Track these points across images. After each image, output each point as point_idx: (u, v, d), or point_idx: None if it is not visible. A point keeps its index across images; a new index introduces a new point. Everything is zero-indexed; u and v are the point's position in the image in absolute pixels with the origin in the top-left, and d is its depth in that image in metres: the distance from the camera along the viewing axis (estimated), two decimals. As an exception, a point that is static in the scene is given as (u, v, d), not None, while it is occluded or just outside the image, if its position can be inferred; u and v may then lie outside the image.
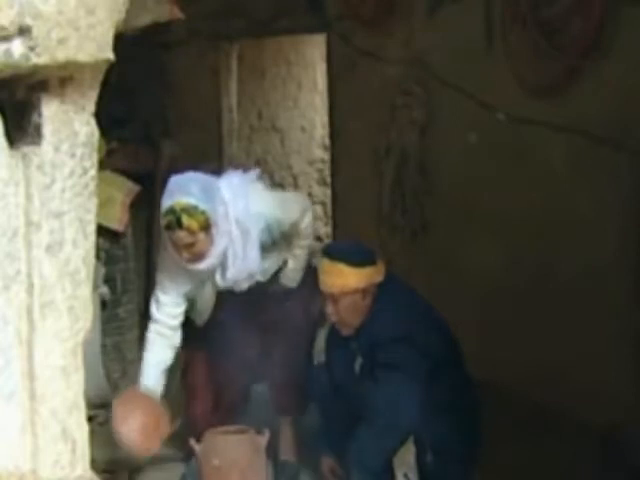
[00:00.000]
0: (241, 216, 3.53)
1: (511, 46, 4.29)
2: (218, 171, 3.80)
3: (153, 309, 3.65)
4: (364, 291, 3.42)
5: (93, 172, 1.62)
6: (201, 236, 3.42)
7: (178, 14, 3.32)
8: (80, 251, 1.61)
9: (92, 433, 1.67)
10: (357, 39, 5.36)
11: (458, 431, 3.38)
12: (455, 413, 3.38)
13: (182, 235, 3.40)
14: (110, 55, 1.54)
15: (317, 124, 7.19)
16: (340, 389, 3.59)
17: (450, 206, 4.83)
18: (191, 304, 3.73)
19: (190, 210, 3.38)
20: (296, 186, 7.28)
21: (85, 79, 1.56)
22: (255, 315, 3.79)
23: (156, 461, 3.88)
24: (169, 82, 6.29)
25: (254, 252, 3.58)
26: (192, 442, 3.52)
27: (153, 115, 6.08)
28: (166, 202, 3.39)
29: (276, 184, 7.34)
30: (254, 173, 3.74)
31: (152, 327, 3.65)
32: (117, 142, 5.29)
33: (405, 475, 3.43)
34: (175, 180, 3.49)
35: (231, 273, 3.59)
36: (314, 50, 6.96)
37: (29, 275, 1.54)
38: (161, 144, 6.10)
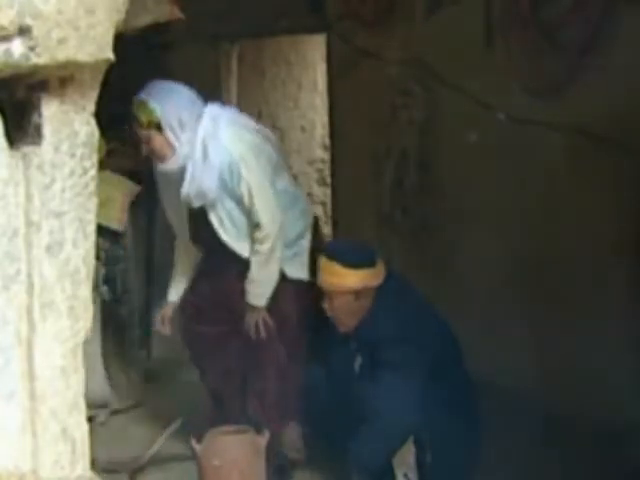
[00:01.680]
0: (208, 138, 3.65)
1: (511, 46, 4.29)
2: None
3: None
4: (358, 293, 3.42)
5: (93, 172, 1.62)
6: (153, 133, 3.64)
7: (178, 14, 3.32)
8: (80, 251, 1.61)
9: (92, 433, 1.67)
10: (357, 39, 5.36)
11: (458, 431, 3.38)
12: (455, 413, 3.38)
13: (138, 130, 3.68)
14: (110, 55, 1.54)
15: (317, 124, 7.19)
16: (339, 388, 3.59)
17: (450, 206, 4.83)
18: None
19: (141, 106, 3.66)
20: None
21: (85, 79, 1.56)
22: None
23: (157, 461, 3.88)
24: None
25: (211, 175, 3.64)
26: (192, 442, 3.52)
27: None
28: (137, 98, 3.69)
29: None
30: (258, 125, 3.94)
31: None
32: (117, 142, 5.28)
33: (405, 475, 3.43)
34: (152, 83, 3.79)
35: (185, 188, 3.68)
36: (314, 50, 6.96)
37: (29, 275, 1.54)
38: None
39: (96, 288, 4.31)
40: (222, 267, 3.79)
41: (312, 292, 3.63)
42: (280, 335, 3.76)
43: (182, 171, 3.66)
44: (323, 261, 3.50)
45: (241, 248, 3.70)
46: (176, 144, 3.63)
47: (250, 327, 3.72)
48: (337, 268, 3.42)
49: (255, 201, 3.61)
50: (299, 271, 3.79)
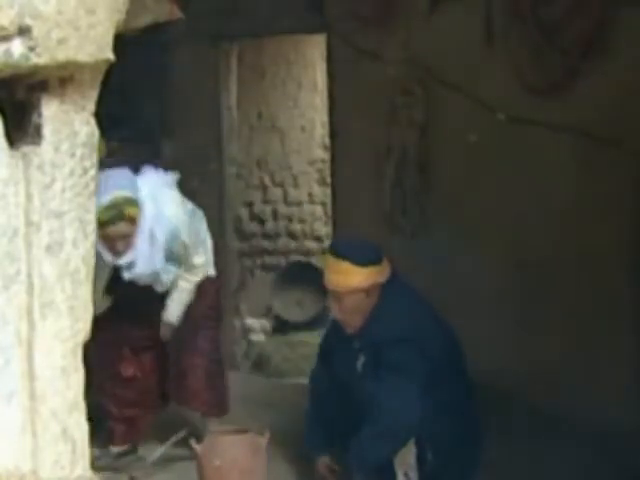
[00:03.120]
0: (151, 217, 3.70)
1: (511, 46, 4.29)
2: (137, 167, 3.94)
3: None
4: (368, 290, 3.40)
5: (93, 172, 1.62)
6: (134, 227, 3.65)
7: (178, 14, 3.32)
8: (80, 251, 1.61)
9: (92, 433, 1.67)
10: (357, 39, 5.36)
11: (459, 431, 3.38)
12: (456, 413, 3.38)
13: (123, 226, 3.61)
14: (110, 55, 1.54)
15: (317, 124, 7.19)
16: (342, 387, 3.58)
17: (450, 206, 4.83)
18: None
19: (130, 201, 3.62)
20: (296, 186, 7.29)
21: (85, 79, 1.56)
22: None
23: (157, 462, 3.88)
24: (169, 82, 6.29)
25: (159, 255, 3.75)
26: (193, 442, 3.52)
27: (153, 115, 6.08)
28: (103, 198, 3.51)
29: (276, 184, 7.35)
30: (172, 176, 3.92)
31: None
32: (117, 142, 5.28)
33: (405, 474, 3.43)
34: (104, 177, 3.66)
35: (139, 269, 3.73)
36: (314, 50, 6.96)
37: (29, 275, 1.54)
38: (161, 144, 6.10)
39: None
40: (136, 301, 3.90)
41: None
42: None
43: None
44: (331, 261, 3.45)
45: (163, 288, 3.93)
46: (139, 234, 3.68)
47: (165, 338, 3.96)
48: (346, 267, 3.38)
49: (191, 251, 3.87)
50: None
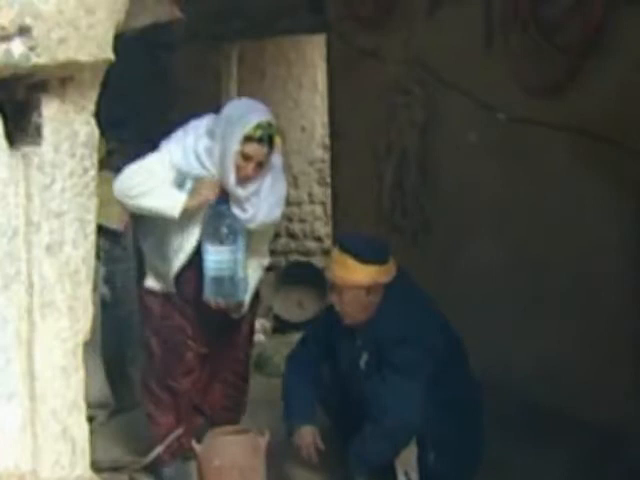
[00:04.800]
0: (278, 168, 3.66)
1: (511, 46, 4.28)
2: None
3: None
4: (369, 288, 3.40)
5: (93, 172, 1.62)
6: (270, 158, 3.54)
7: (178, 14, 3.32)
8: (80, 251, 1.60)
9: (92, 433, 1.67)
10: (357, 39, 5.36)
11: (462, 431, 3.37)
12: (459, 413, 3.37)
13: (264, 150, 3.49)
14: (110, 55, 1.54)
15: (317, 124, 7.19)
16: (344, 384, 3.58)
17: (450, 206, 4.83)
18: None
19: (276, 129, 3.54)
20: (296, 186, 7.28)
21: (85, 79, 1.56)
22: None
23: (157, 462, 3.87)
24: (169, 82, 6.29)
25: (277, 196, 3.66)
26: (193, 442, 3.52)
27: (153, 115, 6.07)
28: (256, 116, 3.47)
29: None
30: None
31: None
32: (117, 142, 5.28)
33: (406, 474, 3.43)
34: (250, 102, 3.68)
35: (261, 214, 3.58)
36: (314, 50, 6.96)
37: (29, 275, 1.54)
38: (161, 145, 6.07)
39: (96, 288, 4.31)
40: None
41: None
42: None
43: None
44: (336, 254, 3.47)
45: None
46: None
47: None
48: (349, 262, 3.39)
49: (272, 234, 3.90)
50: None
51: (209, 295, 3.55)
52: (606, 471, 3.52)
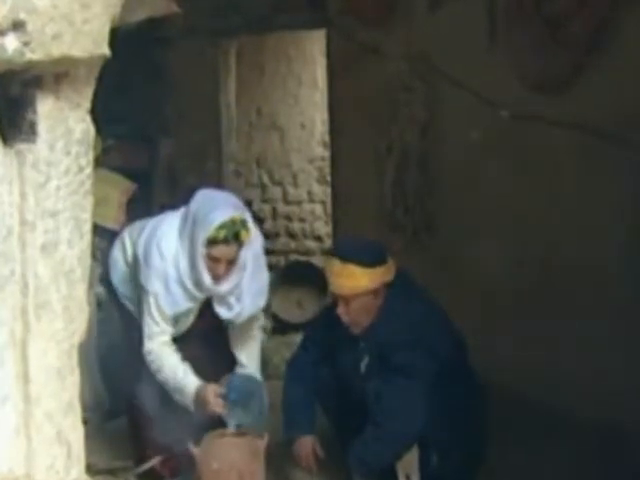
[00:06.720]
0: (252, 251, 3.59)
1: (514, 42, 4.26)
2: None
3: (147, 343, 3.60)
4: (376, 291, 3.37)
5: (89, 170, 1.59)
6: (240, 253, 3.49)
7: (175, 9, 3.29)
8: (75, 251, 1.58)
9: (87, 436, 1.65)
10: (358, 35, 5.33)
11: (464, 433, 3.36)
12: (462, 415, 3.35)
13: (232, 249, 3.44)
14: (106, 50, 1.52)
15: (317, 121, 7.16)
16: (344, 385, 3.56)
17: (452, 204, 4.81)
18: None
19: (245, 225, 3.45)
20: (296, 185, 7.26)
21: (80, 75, 1.53)
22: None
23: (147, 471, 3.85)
24: (167, 79, 6.26)
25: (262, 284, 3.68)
26: (191, 446, 3.49)
27: (150, 112, 6.05)
28: (219, 215, 3.41)
29: (275, 182, 7.32)
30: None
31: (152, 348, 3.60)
32: (113, 139, 5.26)
33: (407, 476, 3.41)
34: (217, 195, 3.64)
35: (246, 309, 3.60)
36: (314, 46, 6.93)
37: (24, 275, 1.52)
38: (158, 142, 6.07)
39: (92, 288, 4.29)
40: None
41: None
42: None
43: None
44: (336, 264, 3.38)
45: None
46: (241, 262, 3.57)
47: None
48: (355, 270, 3.33)
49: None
50: None
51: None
52: (606, 471, 3.51)
